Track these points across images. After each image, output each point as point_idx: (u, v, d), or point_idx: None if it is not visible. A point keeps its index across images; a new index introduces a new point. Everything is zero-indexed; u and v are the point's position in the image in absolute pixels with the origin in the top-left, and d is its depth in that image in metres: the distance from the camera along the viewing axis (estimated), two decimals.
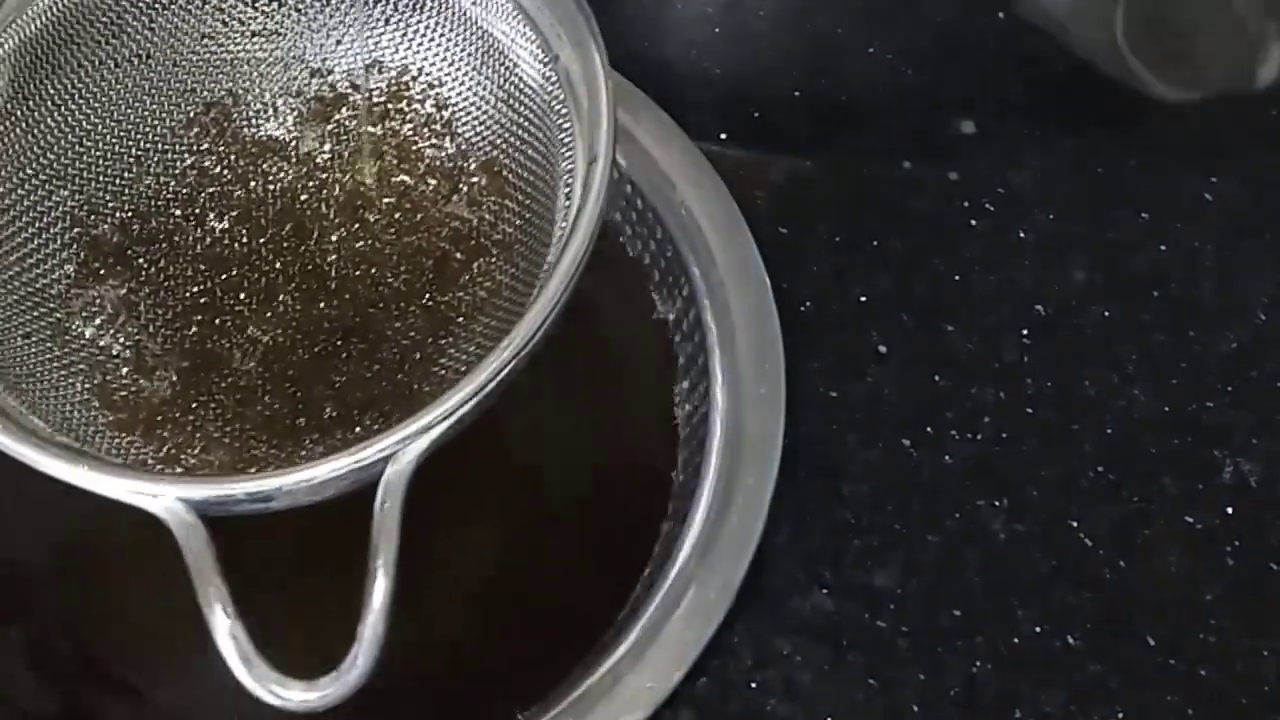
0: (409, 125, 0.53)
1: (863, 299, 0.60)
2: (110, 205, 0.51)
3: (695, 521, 0.53)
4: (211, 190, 0.52)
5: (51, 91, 0.50)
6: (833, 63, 0.66)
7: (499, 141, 0.52)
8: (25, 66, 0.49)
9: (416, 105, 0.53)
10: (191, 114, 0.53)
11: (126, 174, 0.52)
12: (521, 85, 0.51)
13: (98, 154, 0.51)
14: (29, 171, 0.49)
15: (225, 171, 0.53)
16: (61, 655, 0.54)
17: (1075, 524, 0.55)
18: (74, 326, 0.49)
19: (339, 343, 0.50)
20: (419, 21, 0.53)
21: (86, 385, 0.48)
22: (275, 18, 0.53)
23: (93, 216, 0.51)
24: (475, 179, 0.52)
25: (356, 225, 0.52)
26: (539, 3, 0.49)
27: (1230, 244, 0.62)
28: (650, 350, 0.59)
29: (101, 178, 0.51)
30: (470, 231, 0.52)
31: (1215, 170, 0.64)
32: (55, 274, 0.50)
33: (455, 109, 0.53)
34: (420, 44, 0.53)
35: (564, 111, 0.49)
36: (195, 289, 0.51)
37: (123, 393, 0.48)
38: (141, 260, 0.51)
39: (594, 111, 0.46)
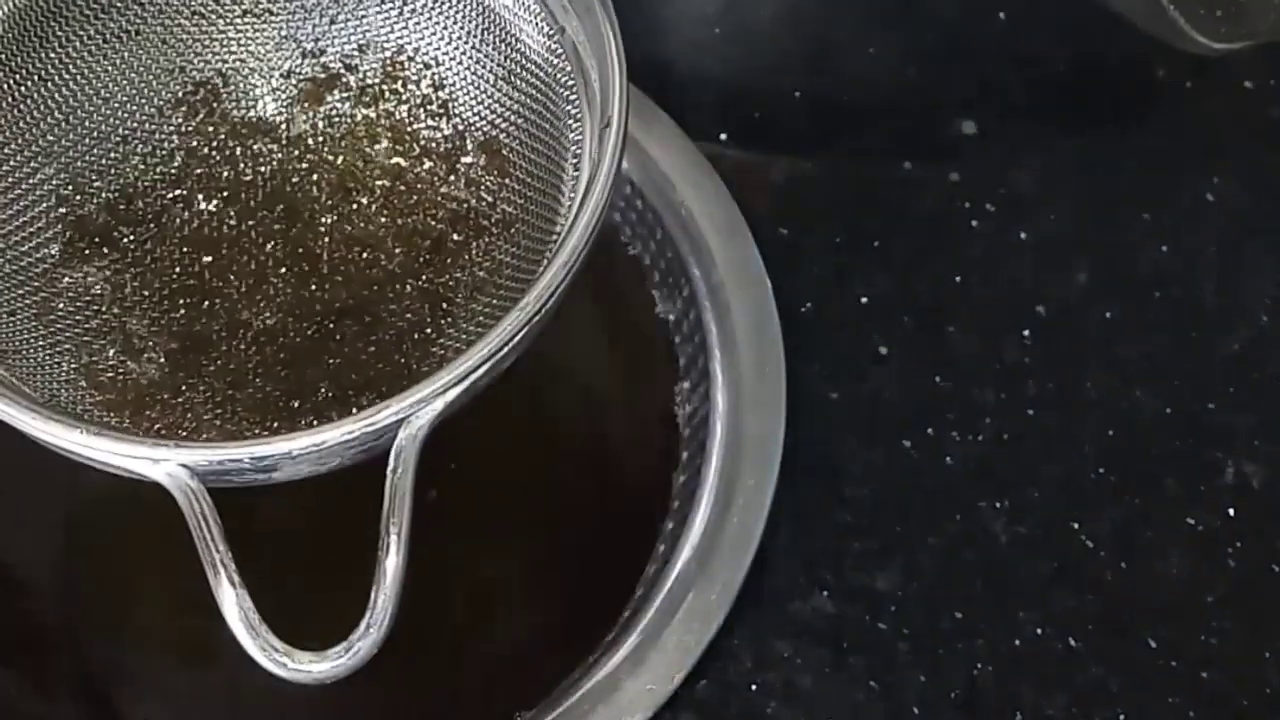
0: (404, 106, 0.53)
1: (863, 300, 0.59)
2: (96, 184, 0.51)
3: (695, 523, 0.53)
4: (200, 171, 0.52)
5: (38, 66, 0.49)
6: (833, 63, 0.66)
7: (499, 120, 0.52)
8: (12, 40, 0.48)
9: (412, 86, 0.53)
10: (180, 93, 0.52)
11: (113, 153, 0.51)
12: (524, 61, 0.50)
13: (84, 132, 0.50)
14: (14, 148, 0.49)
15: (214, 152, 0.52)
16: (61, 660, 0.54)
17: (1076, 525, 0.55)
18: (59, 306, 0.49)
19: (333, 324, 0.49)
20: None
21: (73, 365, 0.47)
22: None
23: (79, 196, 0.50)
24: (474, 159, 0.52)
25: (349, 207, 0.52)
26: None
27: (1232, 244, 0.62)
28: (650, 350, 0.59)
29: (88, 156, 0.51)
30: (469, 212, 0.51)
31: (1216, 170, 0.63)
32: (40, 253, 0.49)
33: (453, 88, 0.52)
34: (417, 23, 0.52)
35: (570, 84, 0.48)
36: (183, 270, 0.50)
37: (110, 373, 0.48)
38: (128, 240, 0.50)
39: (605, 77, 0.46)
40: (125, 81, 0.51)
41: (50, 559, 0.56)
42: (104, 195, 0.51)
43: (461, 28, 0.52)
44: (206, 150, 0.52)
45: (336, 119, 0.53)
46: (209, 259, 0.50)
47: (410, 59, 0.52)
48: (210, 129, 0.52)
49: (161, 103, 0.52)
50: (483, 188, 0.51)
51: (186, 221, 0.51)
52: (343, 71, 0.53)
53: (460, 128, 0.52)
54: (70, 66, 0.50)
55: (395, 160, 0.52)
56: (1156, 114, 0.66)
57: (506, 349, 0.41)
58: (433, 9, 0.52)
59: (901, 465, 0.56)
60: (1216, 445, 0.57)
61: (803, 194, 0.62)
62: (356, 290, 0.50)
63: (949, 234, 0.61)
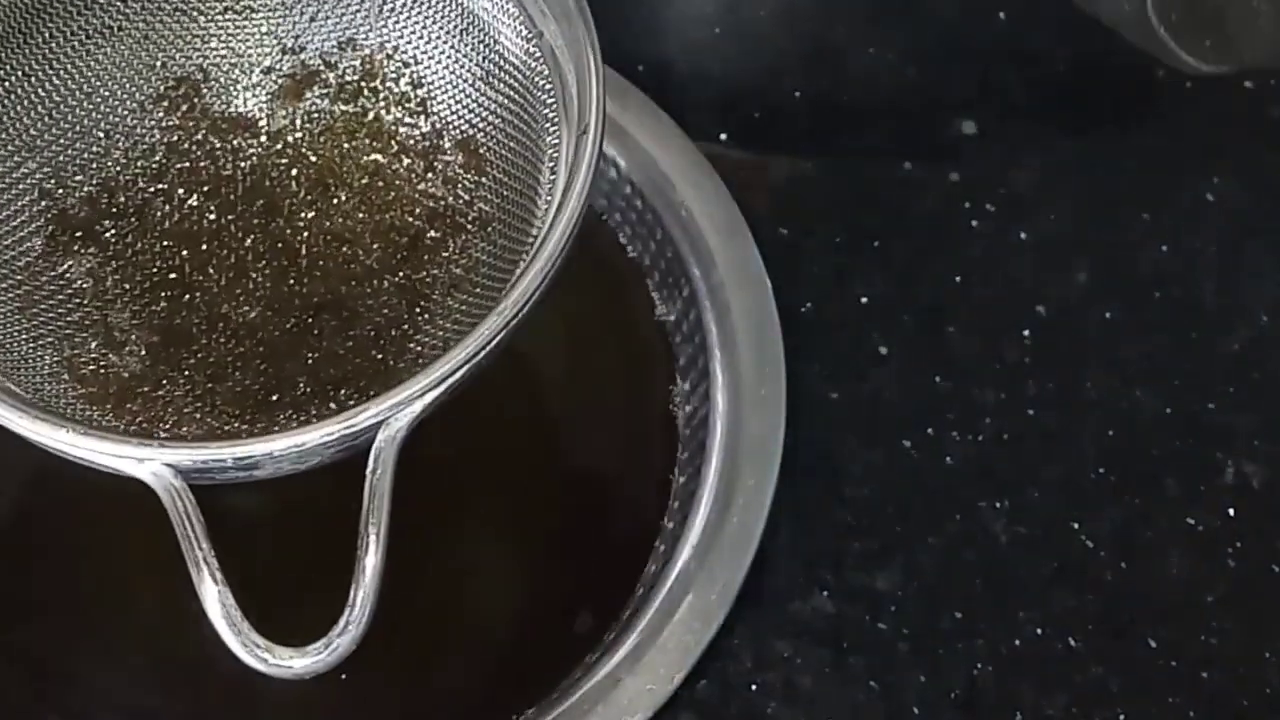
0: (382, 103, 0.53)
1: (863, 300, 0.60)
2: (78, 179, 0.51)
3: (695, 523, 0.53)
4: (181, 166, 0.52)
5: (21, 62, 0.49)
6: (833, 63, 0.66)
7: (477, 120, 0.52)
8: None
9: (391, 83, 0.53)
10: (162, 89, 0.52)
11: (95, 148, 0.51)
12: (502, 63, 0.50)
13: (66, 127, 0.51)
14: None
15: (194, 147, 0.52)
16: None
17: (1076, 525, 0.55)
18: (42, 299, 0.49)
19: (311, 319, 0.50)
20: None
21: (55, 358, 0.48)
22: None
23: (61, 190, 0.51)
24: (451, 157, 0.52)
25: (328, 203, 0.52)
26: None
27: (1232, 244, 0.62)
28: (650, 350, 0.59)
29: (70, 151, 0.51)
30: (446, 209, 0.51)
31: (1216, 170, 0.63)
32: (24, 246, 0.50)
33: (431, 87, 0.52)
34: (397, 21, 0.53)
35: (548, 88, 0.49)
36: (164, 264, 0.51)
37: (92, 366, 0.48)
38: (109, 235, 0.51)
39: (582, 84, 0.46)
40: (107, 77, 0.51)
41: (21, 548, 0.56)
42: (86, 189, 0.51)
43: (441, 28, 0.52)
44: (187, 145, 0.52)
45: (316, 115, 0.53)
46: (189, 253, 0.51)
47: (389, 57, 0.53)
48: (191, 124, 0.52)
49: (143, 98, 0.52)
50: (460, 186, 0.52)
51: (167, 216, 0.51)
52: (322, 68, 0.53)
53: (438, 126, 0.52)
54: (53, 62, 0.50)
55: (373, 157, 0.52)
56: (1156, 114, 0.66)
57: (484, 353, 0.41)
58: (412, 8, 0.52)
59: (901, 465, 0.56)
60: (1216, 445, 0.57)
61: (803, 194, 0.62)
62: (335, 285, 0.50)
63: (949, 234, 0.61)
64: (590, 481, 0.58)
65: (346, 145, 0.53)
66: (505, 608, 0.55)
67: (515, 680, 0.53)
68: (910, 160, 0.63)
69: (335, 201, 0.52)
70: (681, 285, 0.58)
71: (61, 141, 0.51)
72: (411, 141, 0.52)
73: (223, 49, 0.53)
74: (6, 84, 0.49)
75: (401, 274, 0.51)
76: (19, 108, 0.49)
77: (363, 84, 0.53)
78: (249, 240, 0.51)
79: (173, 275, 0.50)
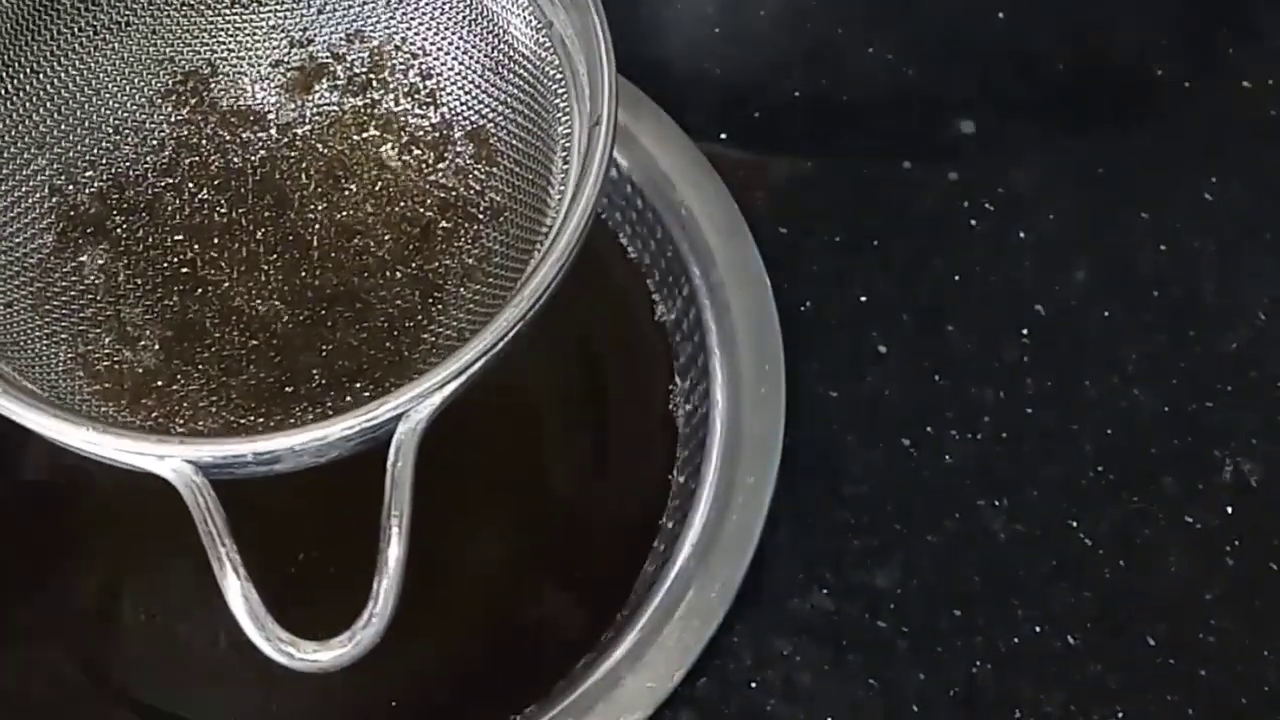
0: (392, 95, 0.53)
1: (862, 299, 0.60)
2: (88, 175, 0.51)
3: (695, 521, 0.53)
4: (190, 160, 0.52)
5: (31, 59, 0.50)
6: (833, 63, 0.66)
7: (487, 111, 0.52)
8: (4, 33, 0.49)
9: (400, 75, 0.53)
10: (170, 83, 0.53)
11: (105, 143, 0.52)
12: (512, 53, 0.51)
13: (75, 122, 0.51)
14: (8, 139, 0.49)
15: (204, 142, 0.53)
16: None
17: (1075, 524, 0.55)
18: (55, 296, 0.49)
19: (324, 311, 0.50)
20: None
21: (70, 354, 0.48)
22: None
23: (71, 186, 0.51)
24: (461, 148, 0.52)
25: (338, 195, 0.52)
26: None
27: (1231, 244, 0.62)
28: (650, 350, 0.59)
29: (80, 146, 0.51)
30: (457, 199, 0.51)
31: (1216, 170, 0.64)
32: (36, 243, 0.50)
33: (440, 78, 0.53)
34: (405, 13, 0.53)
35: (559, 78, 0.49)
36: (175, 259, 0.51)
37: (106, 362, 0.48)
38: (120, 230, 0.51)
39: (594, 74, 0.46)
40: (116, 72, 0.51)
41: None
42: (96, 185, 0.51)
43: (449, 18, 0.52)
44: (196, 140, 0.52)
45: (325, 108, 0.53)
46: (200, 247, 0.51)
47: (398, 48, 0.53)
48: (200, 119, 0.53)
49: (151, 93, 0.52)
50: (471, 176, 0.52)
51: (178, 210, 0.51)
52: (330, 61, 0.53)
53: (448, 117, 0.52)
54: (62, 58, 0.50)
55: (383, 148, 0.53)
56: (1156, 114, 0.66)
57: (502, 343, 0.41)
58: (420, 1, 0.52)
59: (901, 464, 0.56)
60: (1215, 444, 0.57)
61: (803, 194, 0.63)
62: (347, 277, 0.50)
63: (949, 234, 0.61)
64: (590, 480, 0.58)
65: (356, 137, 0.53)
66: (505, 606, 0.55)
67: (515, 678, 0.53)
68: (910, 160, 0.63)
69: (346, 193, 0.52)
70: (681, 285, 0.59)
71: (71, 137, 0.51)
72: (421, 133, 0.53)
73: (230, 43, 0.53)
74: (16, 80, 0.49)
75: (414, 265, 0.51)
76: (29, 104, 0.50)
77: (371, 76, 0.53)
78: (260, 233, 0.51)
79: (184, 270, 0.51)
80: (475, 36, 0.52)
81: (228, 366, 0.48)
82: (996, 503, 0.55)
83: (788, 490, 0.54)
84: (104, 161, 0.51)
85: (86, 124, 0.51)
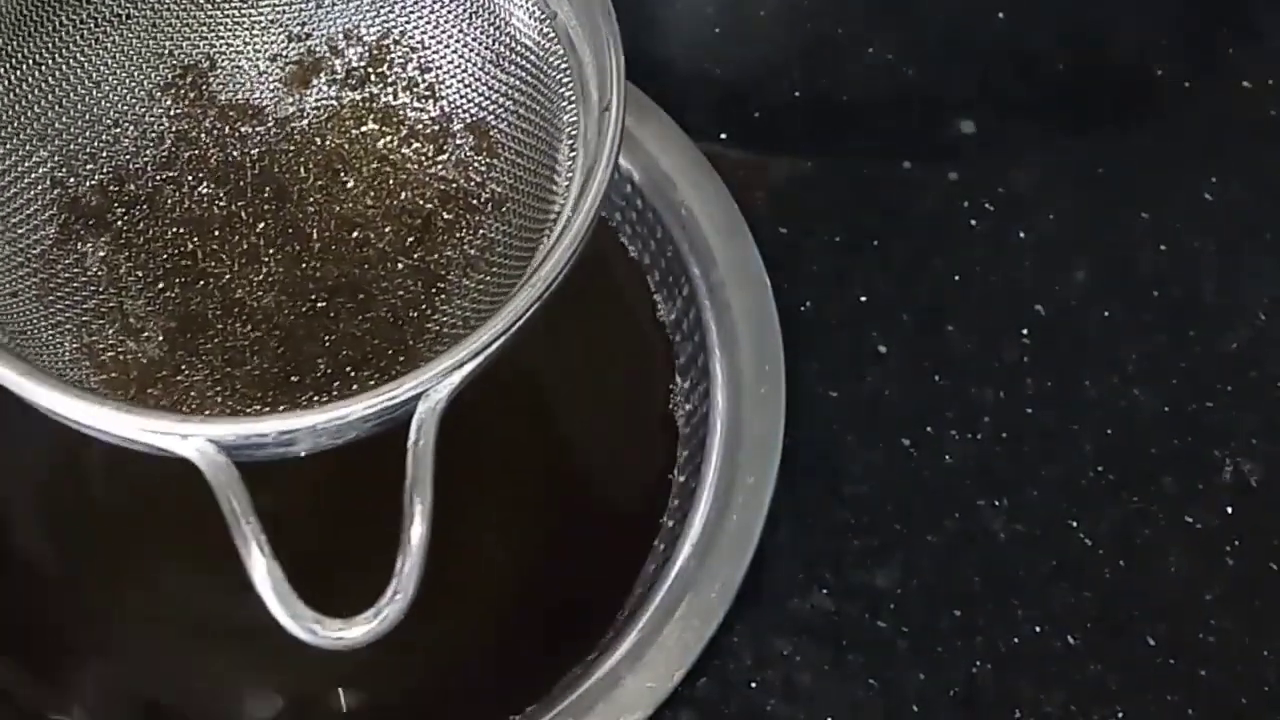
0: (391, 89, 0.53)
1: (862, 299, 0.60)
2: (89, 167, 0.51)
3: (695, 521, 0.53)
4: (190, 153, 0.52)
5: (31, 51, 0.50)
6: (833, 63, 0.66)
7: (487, 103, 0.52)
8: (5, 26, 0.49)
9: (398, 69, 0.53)
10: (169, 77, 0.53)
11: (105, 136, 0.52)
12: (514, 45, 0.51)
13: (76, 115, 0.51)
14: (9, 131, 0.49)
15: (203, 135, 0.53)
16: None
17: (1075, 524, 0.55)
18: (58, 287, 0.49)
19: (326, 302, 0.50)
20: None
21: (75, 344, 0.48)
22: None
23: (72, 178, 0.51)
24: (462, 140, 0.52)
25: (338, 188, 0.52)
26: None
27: (1231, 244, 0.62)
28: (650, 350, 0.59)
29: (80, 139, 0.51)
30: (458, 191, 0.52)
31: (1215, 170, 0.64)
32: (37, 234, 0.50)
33: (440, 71, 0.53)
34: (403, 6, 0.53)
35: (563, 67, 0.49)
36: (176, 251, 0.51)
37: (111, 353, 0.48)
38: (121, 222, 0.51)
39: (601, 59, 0.46)
40: (115, 65, 0.52)
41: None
42: (97, 178, 0.51)
43: (449, 11, 0.52)
44: (196, 133, 0.53)
45: (324, 101, 0.53)
46: (201, 239, 0.51)
47: (396, 42, 0.53)
48: (199, 112, 0.53)
49: (151, 86, 0.52)
50: (471, 168, 0.52)
51: (178, 203, 0.52)
52: (329, 55, 0.53)
53: (447, 110, 0.52)
54: (62, 51, 0.50)
55: (383, 141, 0.53)
56: (1156, 114, 0.66)
57: (519, 324, 0.42)
58: None
59: (901, 464, 0.56)
60: (1215, 444, 0.57)
61: (803, 194, 0.63)
62: (348, 268, 0.50)
63: (948, 234, 0.61)
64: (590, 480, 0.58)
65: (355, 131, 0.53)
66: (505, 605, 0.55)
67: (515, 678, 0.53)
68: (909, 160, 0.63)
69: (346, 186, 0.52)
70: (681, 284, 0.59)
71: (72, 130, 0.51)
72: (421, 126, 0.53)
73: (229, 36, 0.53)
74: (17, 73, 0.49)
75: (416, 256, 0.51)
76: (30, 96, 0.50)
77: (370, 70, 0.53)
78: (260, 226, 0.51)
79: (185, 262, 0.51)
80: (475, 29, 0.52)
81: (232, 357, 0.49)
82: (996, 503, 0.56)
83: (788, 490, 0.54)
84: (104, 154, 0.52)
85: (87, 117, 0.51)
